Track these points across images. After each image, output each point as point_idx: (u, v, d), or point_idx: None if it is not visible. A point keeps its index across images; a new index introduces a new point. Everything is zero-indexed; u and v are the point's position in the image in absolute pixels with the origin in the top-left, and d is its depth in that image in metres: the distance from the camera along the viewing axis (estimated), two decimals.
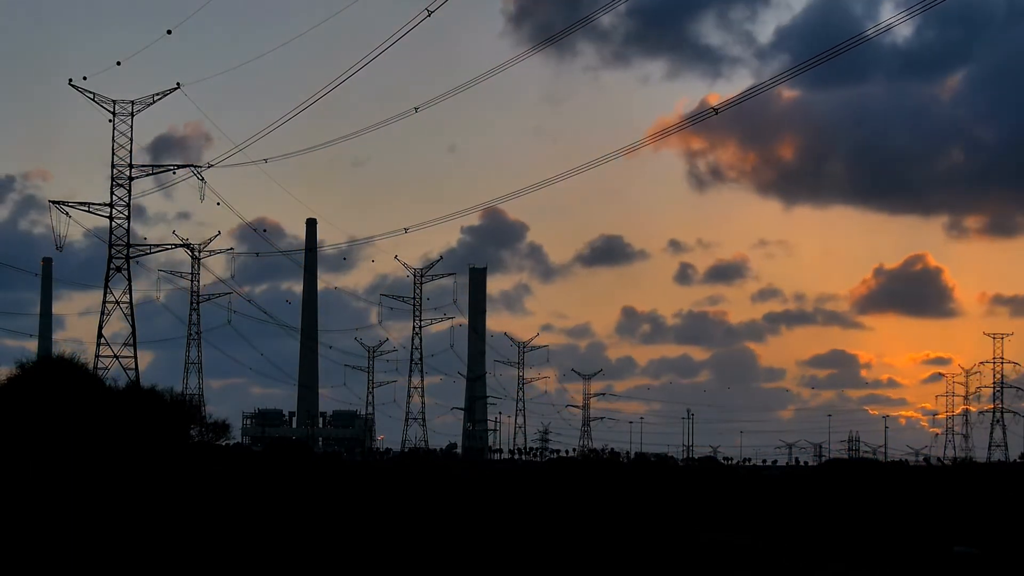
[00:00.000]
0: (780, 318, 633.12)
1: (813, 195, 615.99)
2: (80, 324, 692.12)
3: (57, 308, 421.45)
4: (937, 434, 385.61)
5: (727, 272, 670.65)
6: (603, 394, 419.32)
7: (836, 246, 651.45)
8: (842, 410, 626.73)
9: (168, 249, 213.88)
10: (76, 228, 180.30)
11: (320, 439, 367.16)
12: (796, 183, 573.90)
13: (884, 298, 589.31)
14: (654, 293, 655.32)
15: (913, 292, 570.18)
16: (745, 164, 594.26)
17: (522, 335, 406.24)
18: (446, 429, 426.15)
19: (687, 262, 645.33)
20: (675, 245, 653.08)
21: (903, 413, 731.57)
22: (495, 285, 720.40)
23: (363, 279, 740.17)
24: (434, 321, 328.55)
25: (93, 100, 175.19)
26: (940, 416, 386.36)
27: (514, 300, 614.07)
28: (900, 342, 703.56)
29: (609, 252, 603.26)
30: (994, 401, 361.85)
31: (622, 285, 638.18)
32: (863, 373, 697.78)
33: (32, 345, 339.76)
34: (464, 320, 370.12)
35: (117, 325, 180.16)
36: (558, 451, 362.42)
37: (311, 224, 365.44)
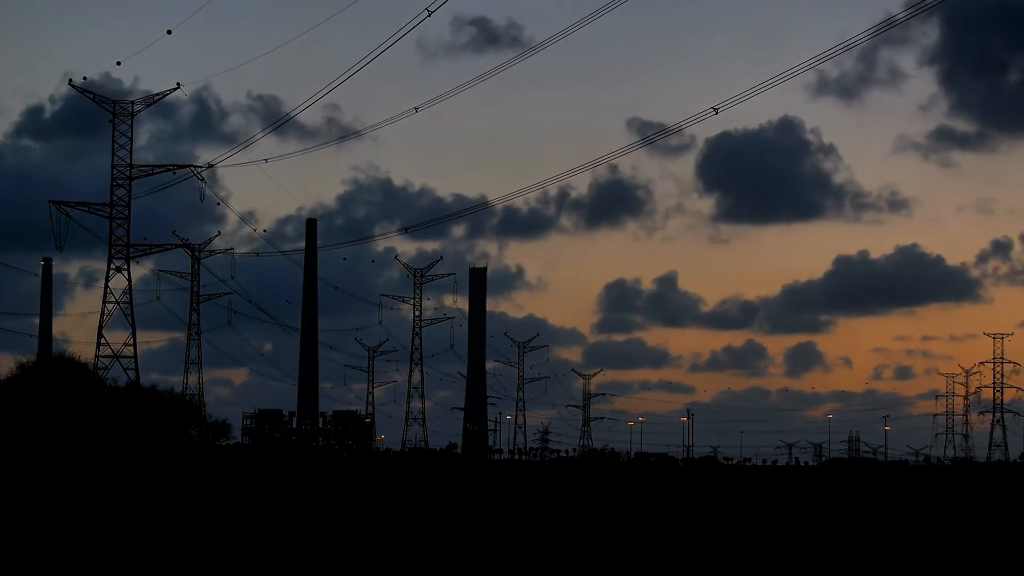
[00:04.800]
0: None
1: None
2: (80, 324, 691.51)
3: (57, 308, 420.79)
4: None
5: None
6: (603, 395, 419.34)
7: None
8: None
9: (168, 249, 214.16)
10: (76, 228, 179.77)
11: (320, 439, 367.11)
12: None
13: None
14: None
15: None
16: None
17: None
18: (446, 429, 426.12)
19: None
20: None
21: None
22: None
23: (363, 279, 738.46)
24: (434, 321, 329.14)
25: (93, 100, 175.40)
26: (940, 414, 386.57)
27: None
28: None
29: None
30: (994, 401, 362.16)
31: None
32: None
33: (35, 322, 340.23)
34: (465, 311, 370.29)
35: (117, 325, 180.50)
36: (558, 451, 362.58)
37: (311, 224, 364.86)
